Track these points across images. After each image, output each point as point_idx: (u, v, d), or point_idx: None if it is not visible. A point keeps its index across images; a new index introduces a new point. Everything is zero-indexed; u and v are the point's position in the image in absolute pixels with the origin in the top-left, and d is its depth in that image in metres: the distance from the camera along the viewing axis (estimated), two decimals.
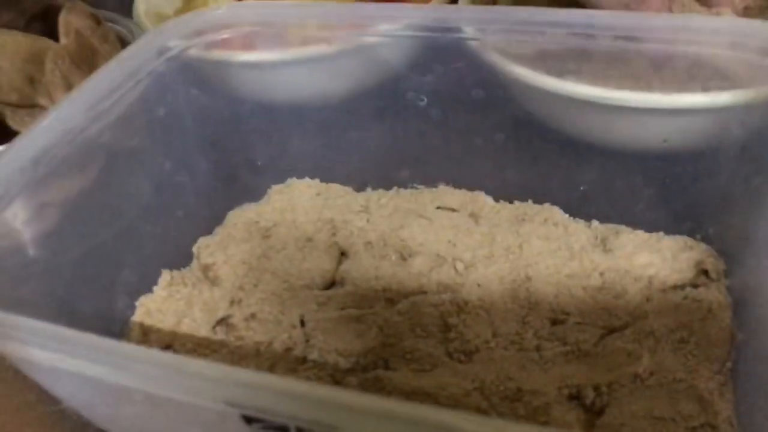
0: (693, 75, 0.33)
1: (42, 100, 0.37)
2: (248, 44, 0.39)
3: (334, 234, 0.37)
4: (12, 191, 0.30)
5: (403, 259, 0.35)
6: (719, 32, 0.32)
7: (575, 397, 0.28)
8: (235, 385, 0.19)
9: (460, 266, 0.34)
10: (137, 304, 0.35)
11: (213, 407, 0.20)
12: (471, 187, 0.39)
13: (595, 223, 0.36)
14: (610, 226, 0.36)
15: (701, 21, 0.34)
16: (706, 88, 0.32)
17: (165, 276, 0.36)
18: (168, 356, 0.21)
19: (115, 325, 0.34)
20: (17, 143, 0.31)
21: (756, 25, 0.31)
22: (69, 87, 0.37)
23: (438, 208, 0.37)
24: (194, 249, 0.38)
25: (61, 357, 0.22)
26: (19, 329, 0.23)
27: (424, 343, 0.31)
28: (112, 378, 0.21)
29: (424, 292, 0.33)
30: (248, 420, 0.21)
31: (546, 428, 0.17)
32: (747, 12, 0.37)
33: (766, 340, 0.28)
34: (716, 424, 0.26)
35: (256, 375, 0.19)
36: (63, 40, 0.38)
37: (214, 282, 0.35)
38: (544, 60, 0.35)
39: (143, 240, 0.36)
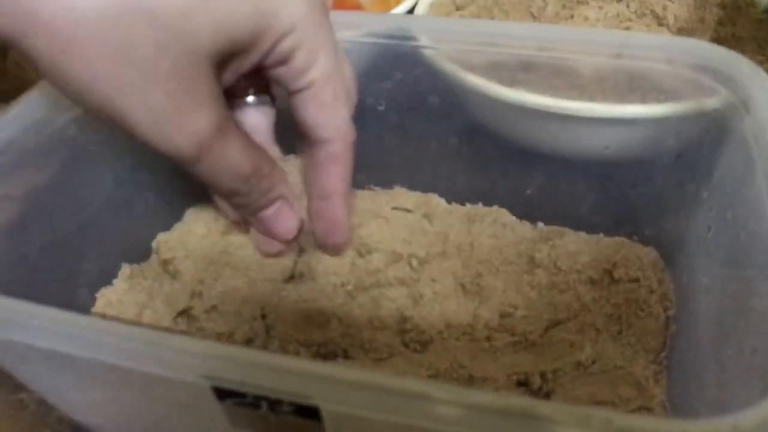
0: (633, 88, 0.35)
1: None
2: None
3: None
4: None
5: (361, 255, 0.36)
6: (657, 49, 0.34)
7: (523, 384, 0.30)
8: (210, 358, 0.20)
9: (414, 263, 0.35)
10: (98, 295, 0.36)
11: (187, 380, 0.21)
12: (425, 190, 0.41)
13: (540, 224, 0.38)
14: (555, 227, 0.38)
15: (641, 38, 0.36)
16: (644, 100, 0.35)
17: (125, 269, 0.37)
18: (143, 330, 0.21)
19: None
20: None
21: (689, 43, 0.34)
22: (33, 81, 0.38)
23: (394, 208, 0.39)
24: (153, 244, 0.39)
25: (33, 333, 0.23)
26: None
27: (382, 334, 0.32)
28: (85, 353, 0.22)
29: (382, 286, 0.34)
30: (221, 395, 0.22)
31: (504, 393, 0.18)
32: (680, 32, 0.40)
33: (696, 333, 0.30)
34: (651, 406, 0.29)
35: (231, 348, 0.20)
36: None
37: (174, 276, 0.36)
38: (496, 70, 0.37)
39: (103, 234, 0.37)
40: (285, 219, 0.29)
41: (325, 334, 0.32)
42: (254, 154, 0.26)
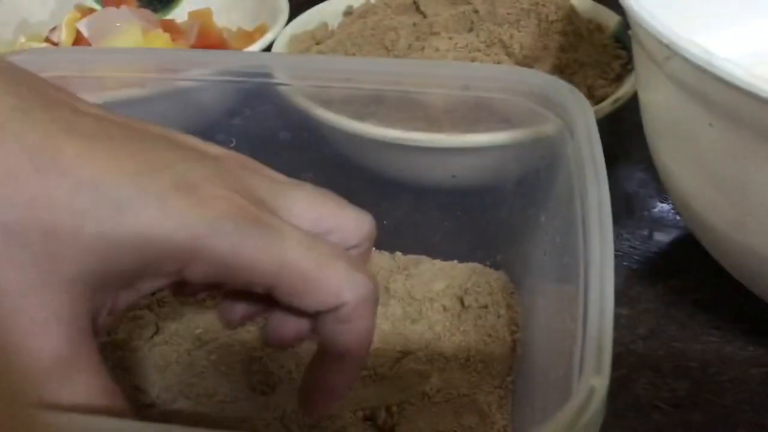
0: (479, 118, 0.36)
1: None
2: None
3: None
4: None
5: (213, 297, 0.35)
6: (497, 79, 0.35)
7: (369, 419, 0.30)
8: None
9: None
10: None
11: None
12: None
13: (398, 254, 0.38)
14: (412, 256, 0.38)
15: (483, 69, 0.37)
16: (488, 129, 0.35)
17: None
18: None
19: None
20: None
21: (523, 72, 0.34)
22: None
23: None
24: None
25: None
26: None
27: (227, 379, 0.31)
28: None
29: (234, 329, 0.34)
30: None
31: None
32: (526, 59, 0.42)
33: (535, 354, 0.31)
34: None
35: None
36: None
37: None
38: (349, 104, 0.38)
39: None
40: None
41: (165, 380, 0.31)
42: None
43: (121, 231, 0.20)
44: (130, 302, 0.22)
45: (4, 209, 0.19)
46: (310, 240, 0.23)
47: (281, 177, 0.26)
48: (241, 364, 0.32)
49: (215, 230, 0.21)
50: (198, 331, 0.33)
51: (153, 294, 0.36)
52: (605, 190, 0.26)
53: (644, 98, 0.35)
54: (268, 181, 0.25)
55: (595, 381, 0.19)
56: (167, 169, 0.21)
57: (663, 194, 0.44)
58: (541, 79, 0.34)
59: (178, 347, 0.33)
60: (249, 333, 0.34)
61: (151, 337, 0.33)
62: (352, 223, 0.25)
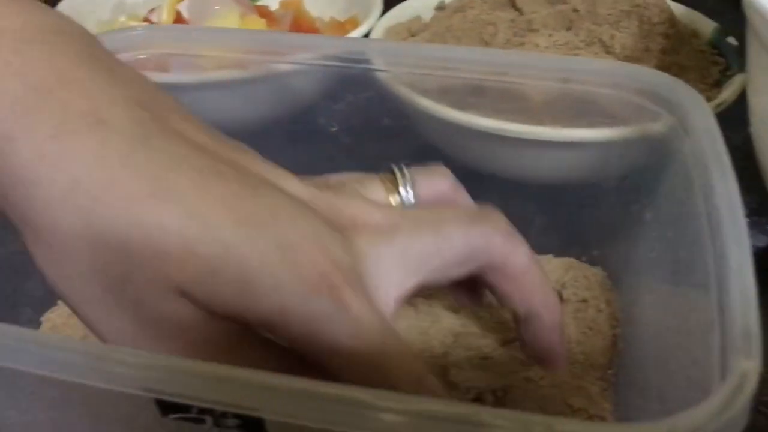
0: (580, 112, 0.36)
1: None
2: (163, 66, 0.40)
3: None
4: None
5: None
6: (603, 74, 0.35)
7: (478, 400, 0.30)
8: (151, 369, 0.20)
9: None
10: (43, 319, 0.35)
11: (129, 394, 0.21)
12: None
13: None
14: None
15: (587, 63, 0.37)
16: (591, 124, 0.35)
17: None
18: (83, 343, 0.21)
19: None
20: None
21: (633, 68, 0.35)
22: None
23: None
24: None
25: None
26: None
27: None
28: (23, 366, 0.21)
29: None
30: (165, 410, 0.21)
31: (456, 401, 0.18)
32: (627, 60, 0.42)
33: (641, 349, 0.31)
34: (604, 416, 0.29)
35: (174, 359, 0.20)
36: None
37: None
38: (448, 93, 0.38)
39: None
40: None
41: None
42: None
43: (225, 270, 0.21)
44: None
45: (118, 225, 0.20)
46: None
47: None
48: None
49: (302, 299, 0.22)
50: None
51: None
52: (734, 186, 0.26)
53: (757, 101, 0.35)
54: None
55: (747, 365, 0.19)
56: (270, 226, 0.22)
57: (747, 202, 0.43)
58: (651, 75, 0.34)
59: None
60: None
61: None
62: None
